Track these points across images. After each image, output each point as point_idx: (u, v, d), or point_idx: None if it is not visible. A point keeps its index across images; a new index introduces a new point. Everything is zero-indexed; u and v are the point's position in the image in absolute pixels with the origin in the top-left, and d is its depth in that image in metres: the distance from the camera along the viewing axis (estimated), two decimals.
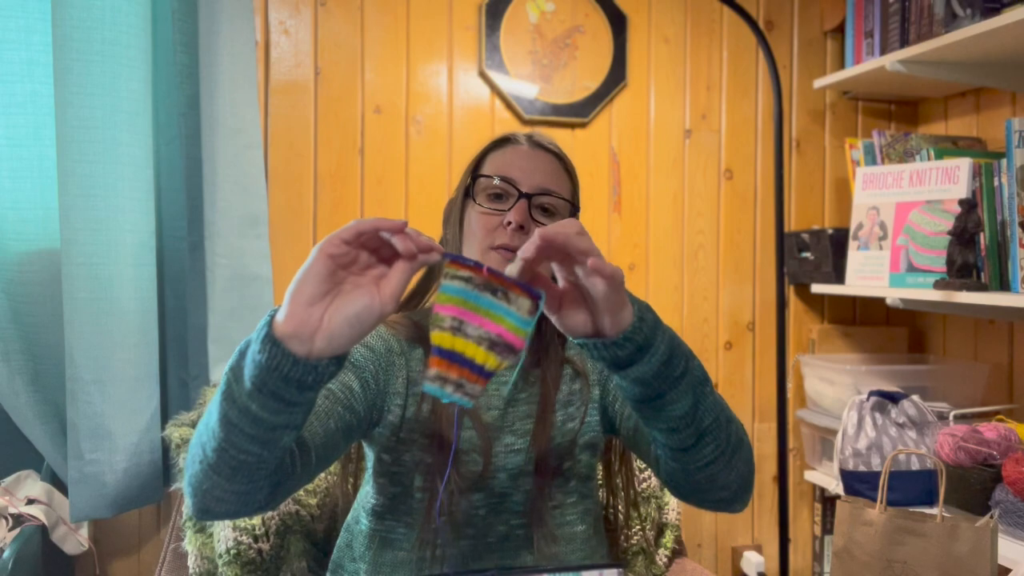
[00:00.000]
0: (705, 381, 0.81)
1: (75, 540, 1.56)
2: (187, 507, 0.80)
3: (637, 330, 0.74)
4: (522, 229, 0.95)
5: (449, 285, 0.67)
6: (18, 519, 1.47)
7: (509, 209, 0.97)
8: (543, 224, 0.97)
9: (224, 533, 1.19)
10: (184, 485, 0.79)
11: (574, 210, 1.03)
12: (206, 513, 0.78)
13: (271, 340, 0.66)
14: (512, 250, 0.95)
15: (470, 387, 0.66)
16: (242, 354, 0.70)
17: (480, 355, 0.66)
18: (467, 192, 1.02)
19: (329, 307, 0.67)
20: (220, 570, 1.19)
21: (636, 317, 0.74)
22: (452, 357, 0.65)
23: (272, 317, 0.67)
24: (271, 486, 0.77)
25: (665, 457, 0.87)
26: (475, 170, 1.03)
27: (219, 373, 1.61)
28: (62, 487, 1.56)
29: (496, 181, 0.99)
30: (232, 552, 1.18)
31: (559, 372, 1.03)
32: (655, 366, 0.76)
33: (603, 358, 0.75)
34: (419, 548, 0.97)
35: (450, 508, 0.96)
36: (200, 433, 0.76)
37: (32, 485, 1.57)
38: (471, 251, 0.98)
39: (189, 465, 0.78)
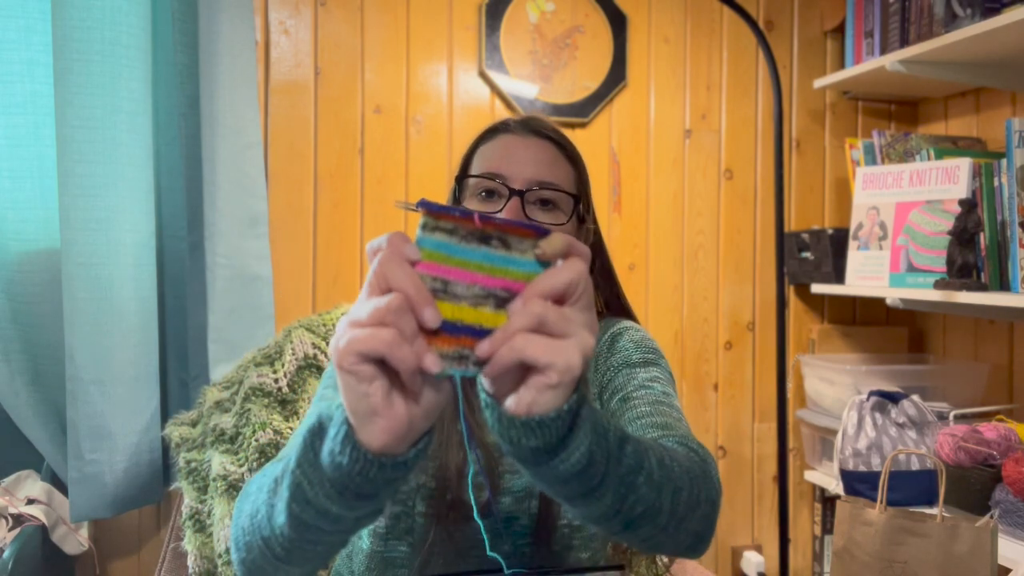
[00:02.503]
0: (638, 470, 0.62)
1: (75, 540, 1.56)
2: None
3: (555, 419, 0.53)
4: None
5: (427, 239, 0.53)
6: (18, 519, 1.47)
7: (500, 210, 0.87)
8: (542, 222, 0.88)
9: (224, 533, 1.19)
10: (237, 567, 0.74)
11: (576, 202, 0.92)
12: None
13: (364, 459, 0.55)
14: None
15: (475, 355, 0.53)
16: (308, 463, 0.60)
17: (486, 318, 0.53)
18: (456, 196, 0.94)
19: (402, 405, 0.54)
20: (220, 570, 1.19)
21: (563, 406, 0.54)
22: (445, 328, 0.52)
23: (352, 440, 0.55)
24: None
25: None
26: (464, 168, 0.94)
27: (219, 373, 1.60)
28: (62, 487, 1.56)
29: (485, 180, 0.89)
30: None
31: None
32: (563, 474, 0.57)
33: (501, 434, 0.55)
34: (421, 568, 0.93)
35: (452, 533, 0.91)
36: (259, 527, 0.68)
37: (32, 485, 1.57)
38: None
39: (243, 550, 0.72)
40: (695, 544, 0.74)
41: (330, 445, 0.56)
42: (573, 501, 0.61)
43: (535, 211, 0.90)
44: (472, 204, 0.91)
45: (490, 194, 0.91)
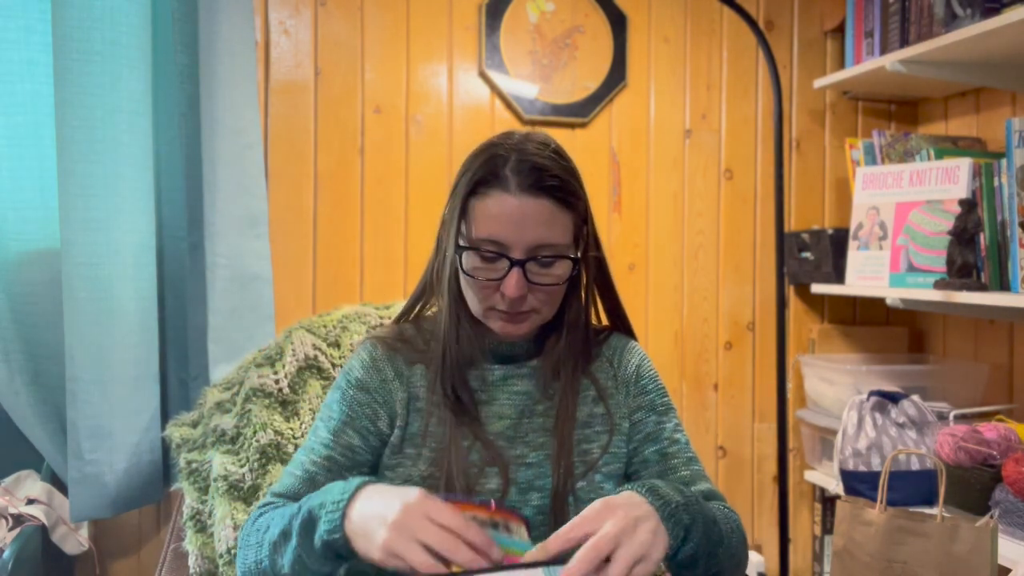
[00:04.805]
0: (720, 542, 0.88)
1: (75, 540, 1.56)
2: None
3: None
4: (521, 298, 0.92)
5: None
6: (18, 519, 1.47)
7: (502, 278, 0.91)
8: (541, 285, 0.93)
9: (225, 533, 1.19)
10: None
11: (575, 263, 0.95)
12: None
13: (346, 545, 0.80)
14: (511, 314, 0.93)
15: None
16: (304, 547, 0.83)
17: None
18: (457, 250, 0.94)
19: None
20: (221, 570, 1.19)
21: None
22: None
23: (343, 529, 0.79)
24: None
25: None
26: (460, 221, 0.94)
27: (219, 373, 1.60)
28: (62, 487, 1.56)
29: (484, 246, 0.91)
30: (233, 552, 1.17)
31: (578, 386, 1.01)
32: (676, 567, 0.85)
33: None
34: None
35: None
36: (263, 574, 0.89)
37: (32, 485, 1.57)
38: (470, 305, 0.96)
39: None
40: None
41: (322, 540, 0.81)
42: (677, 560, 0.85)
43: (536, 274, 0.92)
44: (473, 272, 0.93)
45: (491, 258, 0.92)
